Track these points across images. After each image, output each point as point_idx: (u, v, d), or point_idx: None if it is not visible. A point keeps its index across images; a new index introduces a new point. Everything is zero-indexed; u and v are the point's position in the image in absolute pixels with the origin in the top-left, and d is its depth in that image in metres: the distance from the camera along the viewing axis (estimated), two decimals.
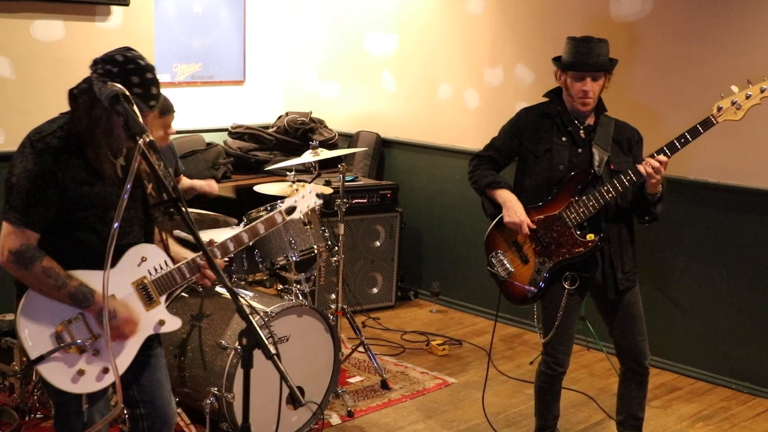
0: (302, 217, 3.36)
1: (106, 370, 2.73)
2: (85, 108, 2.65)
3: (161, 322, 2.86)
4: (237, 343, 3.70)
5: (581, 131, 3.64)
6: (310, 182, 5.02)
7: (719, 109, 3.46)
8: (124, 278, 2.77)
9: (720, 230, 4.95)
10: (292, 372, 3.47)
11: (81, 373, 2.69)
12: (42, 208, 2.63)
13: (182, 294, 4.26)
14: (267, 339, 2.35)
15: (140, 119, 2.54)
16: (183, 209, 2.50)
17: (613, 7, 5.22)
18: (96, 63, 2.66)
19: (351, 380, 4.89)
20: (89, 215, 2.69)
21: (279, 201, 4.39)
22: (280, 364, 2.31)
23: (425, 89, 6.30)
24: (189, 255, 2.95)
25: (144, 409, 2.95)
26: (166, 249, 2.87)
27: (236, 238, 3.07)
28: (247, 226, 3.11)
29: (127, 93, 2.57)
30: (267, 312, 3.92)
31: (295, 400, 2.37)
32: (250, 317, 2.35)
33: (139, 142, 2.45)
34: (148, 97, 2.65)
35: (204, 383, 3.93)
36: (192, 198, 4.93)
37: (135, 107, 2.57)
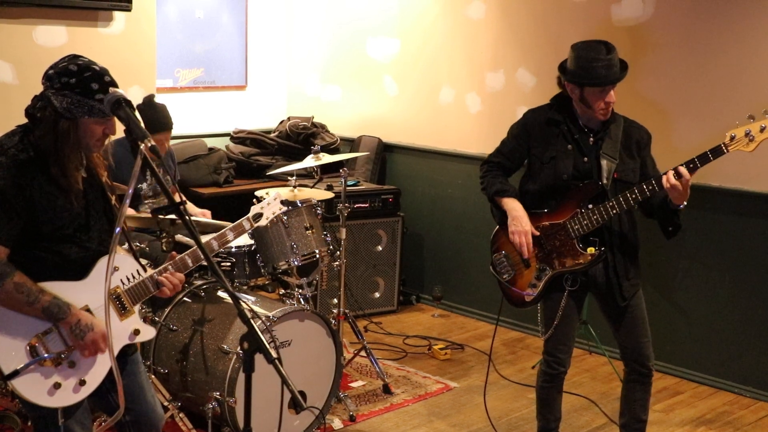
0: (268, 223, 3.51)
1: (82, 382, 2.71)
2: (49, 124, 2.64)
3: (136, 332, 2.84)
4: (239, 347, 3.71)
5: (590, 138, 3.60)
6: (311, 187, 5.03)
7: (732, 138, 3.37)
8: (96, 289, 2.73)
9: (722, 234, 4.94)
10: (294, 376, 3.47)
11: (57, 386, 2.66)
12: (10, 222, 2.61)
13: (184, 299, 4.27)
14: (269, 343, 2.35)
15: (141, 124, 2.55)
16: (185, 214, 2.50)
17: (615, 11, 5.22)
18: (50, 78, 2.65)
19: (353, 385, 4.89)
20: (56, 228, 2.68)
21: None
22: (281, 369, 2.31)
23: (427, 93, 6.31)
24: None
25: (129, 416, 2.91)
26: (136, 259, 2.87)
27: (206, 245, 3.07)
28: (217, 233, 3.13)
29: (129, 98, 2.58)
30: (269, 316, 3.93)
31: (296, 404, 2.37)
32: (252, 321, 2.35)
33: (141, 147, 2.46)
34: None
35: (206, 388, 3.93)
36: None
37: (136, 112, 2.58)
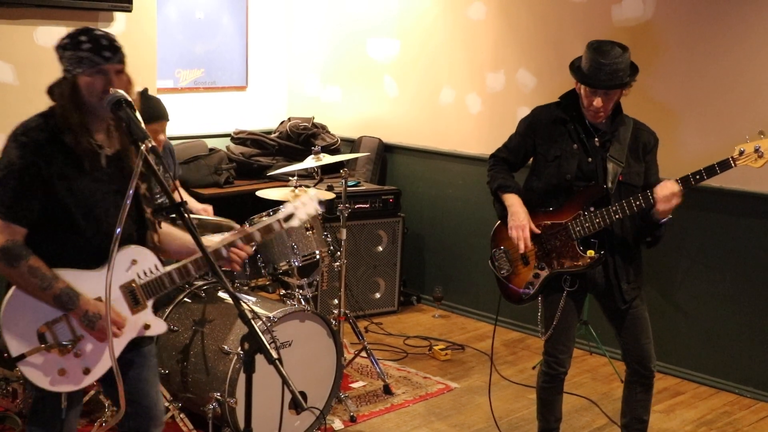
0: (301, 224, 3.20)
1: (86, 371, 2.73)
2: (57, 89, 2.69)
3: (146, 326, 2.83)
4: (239, 348, 3.71)
5: (596, 139, 3.60)
6: (312, 187, 5.03)
7: (741, 152, 3.37)
8: (112, 281, 2.73)
9: (723, 234, 4.94)
10: (295, 377, 3.47)
11: (62, 373, 2.70)
12: (27, 202, 2.62)
13: (185, 299, 4.27)
14: (269, 344, 2.35)
15: (142, 125, 2.54)
16: (185, 215, 2.50)
17: (615, 12, 5.22)
18: (56, 50, 2.71)
19: (353, 385, 4.89)
20: (74, 211, 2.67)
21: (281, 206, 4.42)
22: (282, 369, 2.31)
23: (427, 94, 6.31)
24: (216, 239, 2.93)
25: (130, 407, 2.88)
26: (157, 252, 2.85)
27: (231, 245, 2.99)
28: (243, 234, 2.97)
29: (130, 99, 2.58)
30: (269, 317, 3.93)
31: (297, 405, 2.37)
32: (252, 322, 2.35)
33: (141, 147, 2.46)
34: (99, 48, 2.65)
35: (206, 388, 3.93)
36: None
37: (137, 113, 2.58)
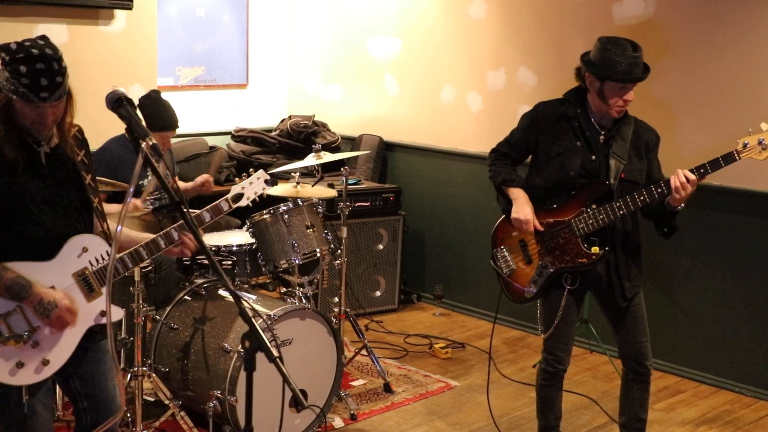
0: (250, 203, 3.28)
1: (45, 362, 2.72)
2: None
3: (102, 313, 2.82)
4: (240, 346, 3.71)
5: (601, 136, 3.59)
6: (312, 186, 5.03)
7: (745, 145, 3.37)
8: (64, 269, 2.74)
9: (723, 233, 4.94)
10: (295, 375, 3.48)
11: (20, 365, 2.68)
12: None
13: (185, 297, 4.27)
14: (270, 342, 2.35)
15: (143, 122, 2.54)
16: (186, 212, 2.50)
17: (616, 10, 5.22)
18: None
19: (354, 383, 4.89)
20: (17, 206, 2.67)
21: (283, 204, 4.42)
22: (282, 367, 2.31)
23: (428, 92, 6.30)
24: (146, 237, 2.93)
25: (87, 402, 2.90)
26: (108, 239, 2.85)
27: (180, 227, 3.01)
28: (193, 214, 2.99)
29: (130, 97, 2.58)
30: (270, 315, 3.93)
31: (297, 403, 2.37)
32: (253, 320, 2.35)
33: (143, 145, 2.46)
34: (37, 89, 2.58)
35: (207, 386, 3.94)
36: (192, 198, 4.93)
37: (138, 111, 2.58)
